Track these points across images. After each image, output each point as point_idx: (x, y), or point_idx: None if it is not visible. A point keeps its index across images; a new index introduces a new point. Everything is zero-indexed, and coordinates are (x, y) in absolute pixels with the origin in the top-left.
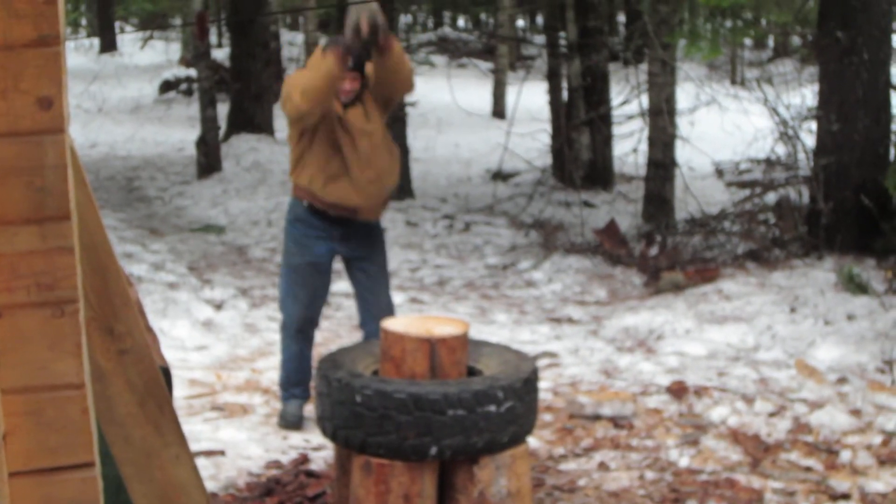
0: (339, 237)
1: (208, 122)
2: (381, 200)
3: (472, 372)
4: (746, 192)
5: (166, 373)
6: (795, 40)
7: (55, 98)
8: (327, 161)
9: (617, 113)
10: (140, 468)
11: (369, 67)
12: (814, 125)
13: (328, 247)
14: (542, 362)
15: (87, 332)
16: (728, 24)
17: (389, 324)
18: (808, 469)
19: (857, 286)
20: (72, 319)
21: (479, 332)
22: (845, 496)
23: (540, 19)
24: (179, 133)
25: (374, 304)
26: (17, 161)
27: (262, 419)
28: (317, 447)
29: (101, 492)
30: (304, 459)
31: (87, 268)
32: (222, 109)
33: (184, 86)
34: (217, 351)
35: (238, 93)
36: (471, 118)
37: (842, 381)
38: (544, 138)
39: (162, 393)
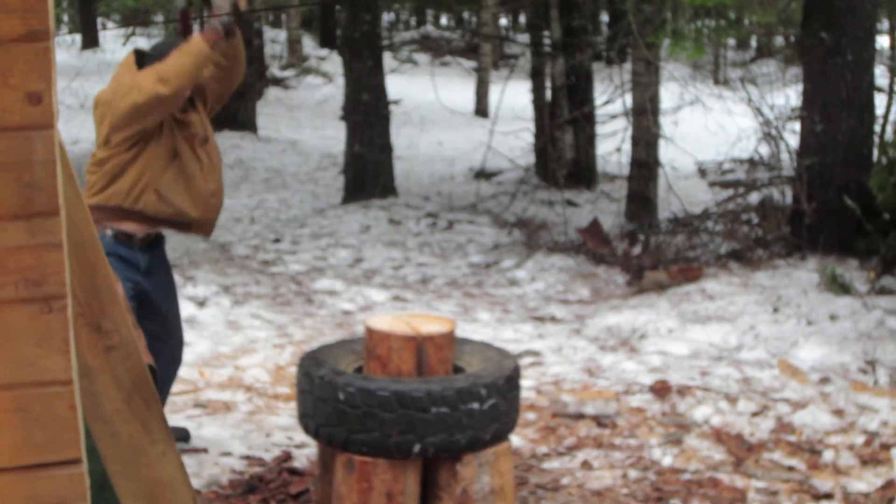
0: (143, 268)
1: None
2: (217, 215)
3: (454, 370)
4: (730, 191)
5: (152, 370)
6: (779, 40)
7: (44, 93)
8: (162, 171)
9: (600, 112)
10: (127, 465)
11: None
12: (797, 125)
13: (133, 283)
14: (525, 361)
15: (75, 329)
16: (711, 23)
17: (374, 322)
18: (791, 469)
19: (839, 286)
20: (60, 316)
21: (462, 330)
22: (828, 496)
23: (523, 18)
24: None
25: (174, 346)
26: (5, 156)
27: (244, 416)
28: (300, 444)
29: (88, 489)
30: (287, 457)
31: (74, 264)
32: None
33: None
34: (200, 348)
35: None
36: (454, 116)
37: (824, 381)
38: (527, 137)
39: (149, 390)
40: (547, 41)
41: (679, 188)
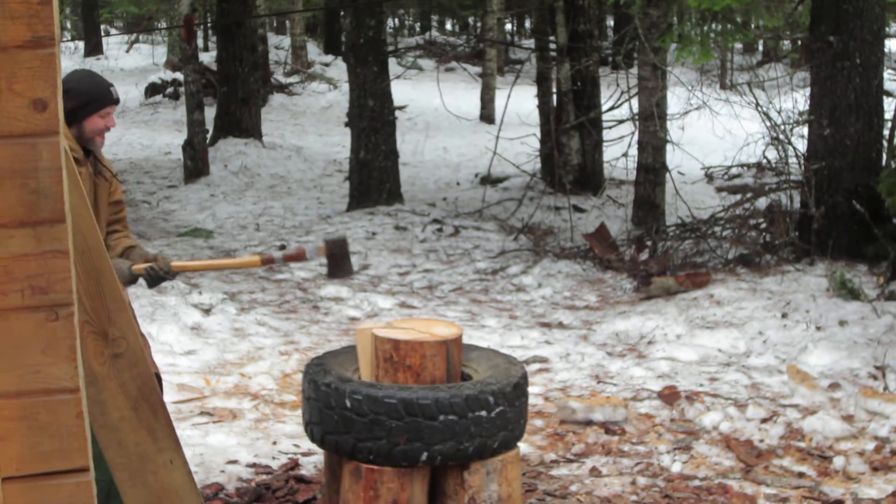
0: None
1: (195, 125)
2: None
3: (461, 377)
4: (737, 196)
5: (158, 378)
6: (786, 44)
7: (50, 100)
8: None
9: (607, 117)
10: (134, 473)
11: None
12: (805, 130)
13: None
14: (532, 367)
15: (81, 336)
16: (718, 27)
17: (389, 333)
18: (801, 475)
19: (848, 292)
20: (66, 323)
21: (469, 336)
22: (839, 502)
23: (529, 23)
24: (166, 137)
25: None
26: (11, 163)
27: (251, 424)
28: (307, 452)
29: (95, 497)
30: (294, 465)
31: (81, 271)
32: (209, 113)
33: (170, 89)
34: (205, 356)
35: (225, 96)
36: (459, 122)
37: (834, 386)
38: (533, 142)
39: (156, 397)
40: (553, 46)
41: (686, 193)
